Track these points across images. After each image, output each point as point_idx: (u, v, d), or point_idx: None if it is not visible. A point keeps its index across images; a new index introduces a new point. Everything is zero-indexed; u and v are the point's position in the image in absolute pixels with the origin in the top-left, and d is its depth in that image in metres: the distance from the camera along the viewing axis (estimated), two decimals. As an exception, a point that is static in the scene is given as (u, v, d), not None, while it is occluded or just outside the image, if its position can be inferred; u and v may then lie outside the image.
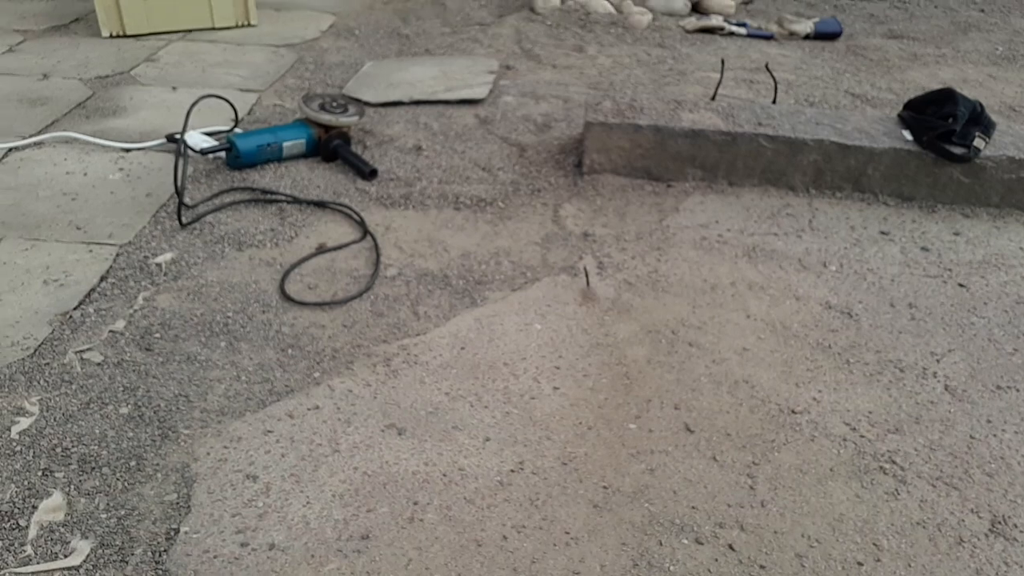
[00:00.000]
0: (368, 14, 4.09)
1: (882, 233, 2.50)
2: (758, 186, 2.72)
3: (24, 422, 1.68)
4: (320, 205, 2.52)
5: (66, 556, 1.41)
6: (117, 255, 2.23)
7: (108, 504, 1.51)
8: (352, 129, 2.86)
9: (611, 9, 4.17)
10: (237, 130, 2.80)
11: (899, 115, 2.82)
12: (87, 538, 1.45)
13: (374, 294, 2.16)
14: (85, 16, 3.89)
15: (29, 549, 1.42)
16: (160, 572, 1.39)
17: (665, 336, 2.02)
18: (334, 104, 2.77)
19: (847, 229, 2.52)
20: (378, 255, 2.30)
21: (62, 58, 3.47)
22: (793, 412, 1.80)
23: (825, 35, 4.06)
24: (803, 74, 3.60)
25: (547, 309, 2.11)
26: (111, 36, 3.67)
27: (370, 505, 1.53)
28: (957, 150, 2.58)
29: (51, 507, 1.50)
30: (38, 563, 1.40)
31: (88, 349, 1.89)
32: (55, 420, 1.69)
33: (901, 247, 2.43)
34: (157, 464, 1.60)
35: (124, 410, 1.73)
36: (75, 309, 2.02)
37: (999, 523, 1.55)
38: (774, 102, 3.07)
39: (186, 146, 2.41)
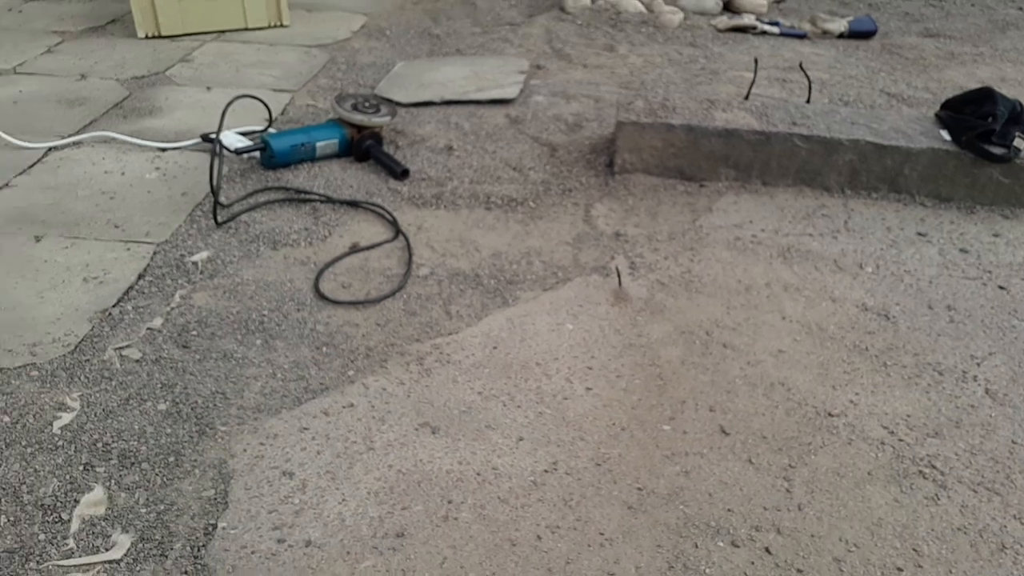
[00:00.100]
0: (399, 14, 4.11)
1: (919, 234, 2.47)
2: (792, 186, 2.70)
3: (66, 417, 1.71)
4: (353, 205, 2.54)
5: (107, 550, 1.43)
6: (154, 253, 2.25)
7: (148, 499, 1.53)
8: (384, 129, 2.88)
9: (642, 8, 4.15)
10: (271, 130, 2.82)
11: (936, 115, 2.78)
12: (127, 532, 1.47)
13: (407, 293, 2.16)
14: (121, 17, 3.94)
15: (71, 542, 1.44)
16: (199, 567, 1.41)
17: (699, 337, 2.01)
18: (366, 104, 2.79)
19: (883, 230, 2.48)
20: (410, 254, 2.31)
21: (99, 59, 3.52)
22: (830, 415, 1.78)
23: (859, 34, 4.02)
24: (837, 73, 3.56)
25: (579, 309, 2.11)
26: (147, 37, 3.72)
27: (405, 503, 1.54)
28: (997, 150, 2.54)
29: (92, 501, 1.52)
30: (80, 556, 1.42)
31: (127, 346, 1.92)
32: (95, 415, 1.72)
33: (939, 248, 2.40)
34: (195, 460, 1.62)
35: (162, 406, 1.75)
36: (114, 306, 2.04)
37: (1042, 530, 1.52)
38: (808, 101, 3.04)
39: (221, 146, 2.43)
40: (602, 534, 1.49)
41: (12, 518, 1.49)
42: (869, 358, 1.96)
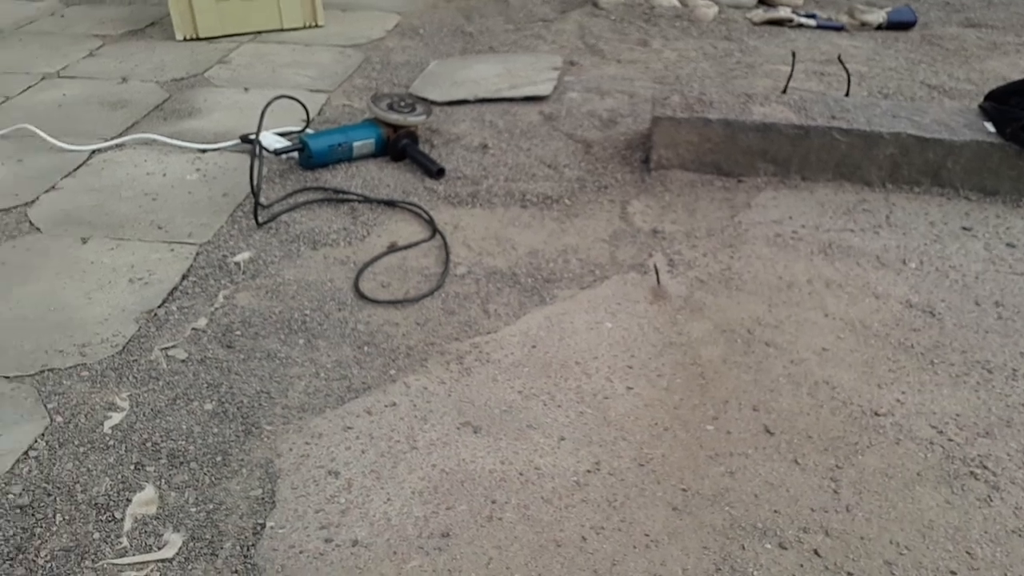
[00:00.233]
0: (432, 12, 4.12)
1: (964, 229, 2.43)
2: (832, 181, 2.66)
3: (116, 417, 1.74)
4: (390, 204, 2.55)
5: (159, 548, 1.46)
6: (197, 254, 2.29)
7: (197, 498, 1.56)
8: (420, 128, 2.89)
9: (675, 2, 4.12)
10: (309, 130, 2.85)
11: (980, 106, 2.73)
12: (178, 531, 1.49)
13: (445, 292, 2.17)
14: (160, 20, 4.00)
15: (125, 541, 1.47)
16: (249, 566, 1.43)
17: (740, 335, 1.99)
18: (402, 104, 2.80)
19: (927, 225, 2.45)
20: (448, 253, 2.32)
21: (139, 62, 3.58)
22: (876, 414, 1.76)
23: (898, 24, 3.95)
24: (876, 65, 3.50)
25: (617, 307, 2.10)
26: (185, 39, 3.77)
27: (449, 503, 1.55)
28: (1044, 142, 2.49)
29: (144, 500, 1.55)
30: (134, 555, 1.45)
31: (173, 346, 1.95)
32: (144, 415, 1.75)
33: (985, 243, 2.35)
34: (242, 459, 1.64)
35: (209, 406, 1.77)
36: (159, 307, 2.08)
37: (1098, 532, 1.49)
38: (847, 94, 3.00)
39: (261, 147, 2.46)
40: (647, 535, 1.48)
41: (67, 517, 1.52)
42: (915, 356, 1.93)
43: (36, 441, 1.67)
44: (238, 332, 2.00)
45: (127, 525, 1.50)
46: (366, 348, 1.96)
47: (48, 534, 1.49)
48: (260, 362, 1.90)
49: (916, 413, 1.76)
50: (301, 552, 1.45)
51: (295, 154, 2.74)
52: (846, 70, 3.06)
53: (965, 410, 1.76)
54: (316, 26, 3.90)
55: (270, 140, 2.75)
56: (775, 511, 1.53)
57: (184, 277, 2.19)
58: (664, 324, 2.04)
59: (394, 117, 2.75)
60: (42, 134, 2.84)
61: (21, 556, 1.44)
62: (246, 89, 3.29)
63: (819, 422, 1.74)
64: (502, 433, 1.71)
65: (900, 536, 1.48)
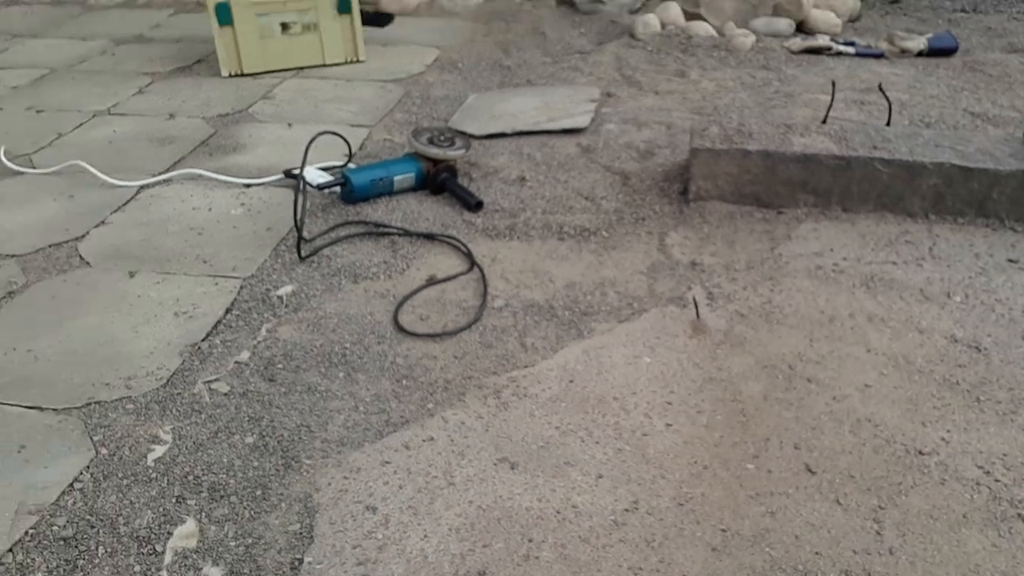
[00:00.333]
0: (470, 47, 4.18)
1: (1010, 261, 2.38)
2: (874, 212, 2.63)
3: (159, 450, 1.77)
4: (429, 237, 2.58)
5: (200, 582, 1.48)
6: (241, 288, 2.33)
7: (236, 532, 1.58)
8: (459, 162, 2.92)
9: (713, 32, 4.12)
10: (350, 165, 2.89)
11: (1026, 136, 2.69)
12: (218, 565, 1.51)
13: (482, 325, 2.18)
14: (206, 57, 4.11)
15: (165, 574, 1.49)
16: (287, 601, 1.44)
17: (782, 371, 1.97)
18: (441, 138, 2.84)
19: (971, 257, 2.40)
20: (485, 286, 2.33)
21: (186, 98, 3.68)
22: (920, 453, 1.72)
23: (939, 51, 3.91)
24: (917, 93, 3.47)
25: (656, 341, 2.10)
26: (230, 75, 3.87)
27: (485, 540, 1.55)
28: (1093, 172, 2.44)
29: (185, 534, 1.57)
30: (175, 589, 1.47)
31: (216, 380, 1.98)
32: (187, 448, 1.78)
33: (1033, 276, 2.30)
34: (281, 494, 1.66)
35: (249, 439, 1.80)
36: (203, 340, 2.12)
37: None
38: (888, 124, 2.97)
39: (305, 182, 2.51)
40: None
41: (109, 549, 1.55)
42: (960, 393, 1.89)
43: (81, 473, 1.71)
44: (280, 365, 2.03)
45: (167, 558, 1.52)
46: (404, 381, 1.98)
47: (91, 567, 1.51)
48: (301, 395, 1.93)
49: (962, 452, 1.72)
50: (339, 588, 1.46)
51: (337, 188, 2.79)
52: (887, 99, 3.03)
53: (1012, 449, 1.72)
54: (357, 61, 3.98)
55: (313, 175, 2.81)
56: (816, 553, 1.50)
57: (228, 311, 2.23)
58: (704, 359, 2.02)
59: (434, 151, 2.79)
60: (93, 170, 2.93)
61: (67, 588, 1.47)
62: (289, 124, 3.36)
63: (862, 461, 1.70)
64: (539, 470, 1.71)
65: (947, 581, 1.44)
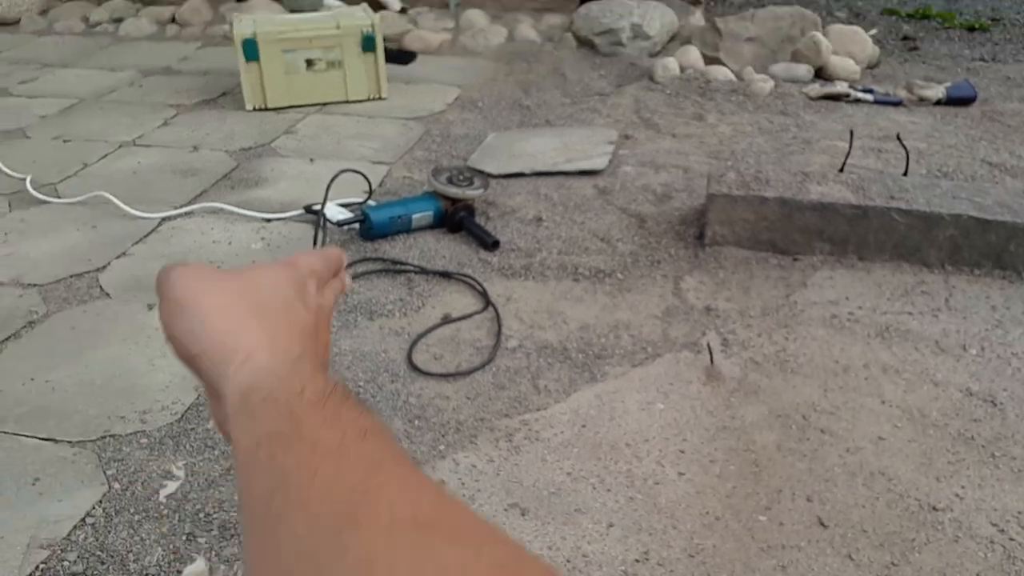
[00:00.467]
0: (491, 86, 4.23)
1: (1028, 314, 2.37)
2: (890, 261, 2.63)
3: (171, 486, 1.78)
4: (445, 275, 2.60)
5: (208, 622, 1.48)
6: (257, 323, 2.35)
7: (245, 573, 1.58)
8: (477, 201, 2.95)
9: (731, 77, 4.16)
10: (370, 202, 2.93)
11: (1045, 188, 2.68)
12: (227, 605, 1.51)
13: (496, 366, 2.19)
14: (231, 90, 4.18)
15: (174, 612, 1.50)
16: (294, 644, 1.43)
17: (795, 421, 1.96)
18: (461, 177, 2.87)
19: (988, 309, 2.39)
20: (500, 326, 2.34)
21: (210, 131, 3.74)
22: (934, 509, 1.70)
23: (958, 100, 3.92)
24: (935, 142, 3.48)
25: (670, 387, 2.10)
26: (254, 109, 3.93)
27: (494, 587, 1.54)
28: (1112, 227, 2.43)
29: (194, 572, 1.57)
30: (183, 628, 1.47)
31: (230, 415, 1.99)
32: (199, 485, 1.79)
33: (1050, 330, 2.29)
34: (291, 533, 1.67)
35: (262, 477, 1.81)
36: (219, 375, 2.13)
37: None
38: (905, 173, 2.98)
39: (325, 219, 2.54)
40: (695, 630, 1.45)
41: (120, 585, 1.55)
42: (975, 448, 1.88)
43: (94, 508, 1.72)
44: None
45: (178, 597, 1.53)
46: (417, 422, 1.98)
47: (102, 602, 1.52)
48: (313, 434, 1.94)
49: (976, 509, 1.70)
50: (346, 632, 1.46)
51: (356, 225, 2.82)
52: (904, 148, 3.04)
53: (1030, 509, 1.70)
54: (380, 98, 4.04)
55: (333, 211, 2.84)
56: (828, 611, 1.49)
57: (244, 346, 2.25)
58: (717, 407, 2.02)
59: (453, 191, 2.82)
60: (116, 201, 2.98)
61: (76, 624, 1.47)
62: (311, 160, 3.41)
63: (875, 515, 1.69)
64: (550, 517, 1.70)
65: (961, 644, 1.42)
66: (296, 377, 0.44)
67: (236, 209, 2.95)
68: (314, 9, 4.62)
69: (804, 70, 4.18)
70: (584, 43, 4.67)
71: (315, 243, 2.47)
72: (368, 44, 3.91)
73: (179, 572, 1.58)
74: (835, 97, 3.96)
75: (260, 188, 3.18)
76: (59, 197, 3.11)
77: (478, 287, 2.53)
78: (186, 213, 2.99)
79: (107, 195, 3.02)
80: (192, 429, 1.95)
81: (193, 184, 3.22)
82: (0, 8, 5.48)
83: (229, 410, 0.45)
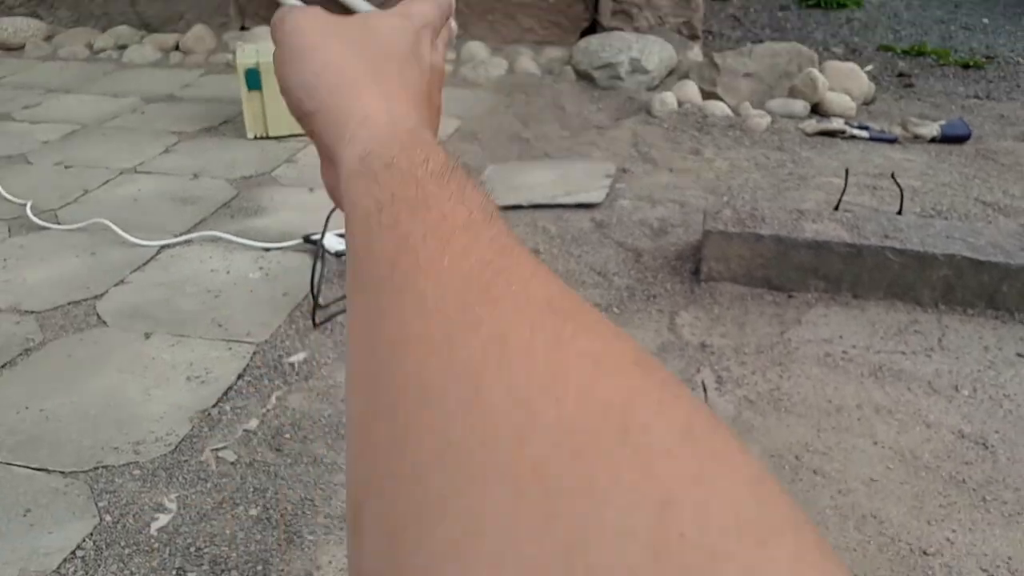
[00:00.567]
0: (491, 117, 4.27)
1: (1019, 356, 2.38)
2: (884, 300, 2.65)
3: (163, 519, 1.78)
4: (441, 308, 2.61)
5: (196, 659, 1.47)
6: (254, 353, 2.36)
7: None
8: (474, 233, 2.97)
9: (728, 112, 4.20)
10: (367, 233, 2.94)
11: (1037, 229, 2.71)
12: (215, 642, 1.51)
13: (491, 400, 2.19)
14: (233, 118, 4.21)
15: (163, 649, 1.49)
16: None
17: (788, 461, 1.97)
18: (458, 210, 2.89)
19: (980, 350, 2.41)
20: (495, 360, 2.35)
21: (211, 158, 3.77)
22: (925, 553, 1.71)
23: (952, 138, 3.96)
24: (930, 180, 3.51)
25: (663, 425, 2.10)
26: (255, 137, 3.96)
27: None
28: (1103, 270, 2.45)
29: (184, 607, 1.57)
30: (171, 665, 1.46)
31: (223, 447, 2.00)
32: (190, 518, 1.79)
33: (1042, 372, 2.30)
34: (282, 570, 1.66)
35: (253, 512, 1.81)
36: (213, 406, 2.14)
37: None
38: (900, 212, 3.00)
39: (324, 250, 2.56)
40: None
41: (109, 619, 1.55)
42: (967, 491, 1.88)
43: (84, 540, 1.72)
44: (287, 435, 2.04)
45: (167, 633, 1.52)
46: (410, 457, 1.98)
47: (91, 637, 1.51)
48: (306, 467, 1.94)
49: (966, 554, 1.70)
50: (334, 672, 1.45)
51: (352, 256, 2.83)
52: (899, 187, 3.07)
53: (1018, 552, 1.70)
54: (379, 128, 4.07)
55: (332, 241, 2.86)
56: (818, 656, 1.48)
57: (240, 376, 2.26)
58: (708, 445, 2.02)
59: (449, 223, 2.84)
60: (115, 228, 2.99)
61: (63, 659, 1.47)
62: (311, 189, 3.43)
63: (866, 559, 1.69)
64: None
65: None
66: (418, 146, 0.41)
67: (235, 238, 2.97)
68: (317, 39, 4.66)
69: (801, 106, 4.22)
70: (583, 76, 4.72)
71: (313, 274, 2.48)
72: (369, 75, 3.95)
73: (169, 608, 1.58)
74: (831, 133, 4.00)
75: (260, 217, 3.20)
76: (59, 223, 3.13)
77: (474, 320, 2.54)
78: (185, 241, 3.00)
79: (106, 222, 3.03)
80: (185, 461, 1.95)
81: (193, 212, 3.24)
82: (5, 34, 5.53)
83: (343, 173, 0.42)
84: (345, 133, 0.44)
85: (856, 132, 3.99)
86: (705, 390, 2.22)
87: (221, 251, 2.93)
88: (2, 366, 2.30)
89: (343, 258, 2.85)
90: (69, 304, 2.61)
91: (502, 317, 0.29)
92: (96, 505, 1.81)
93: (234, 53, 4.08)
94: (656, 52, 4.66)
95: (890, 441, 2.03)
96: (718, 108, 4.21)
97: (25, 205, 3.22)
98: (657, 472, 0.23)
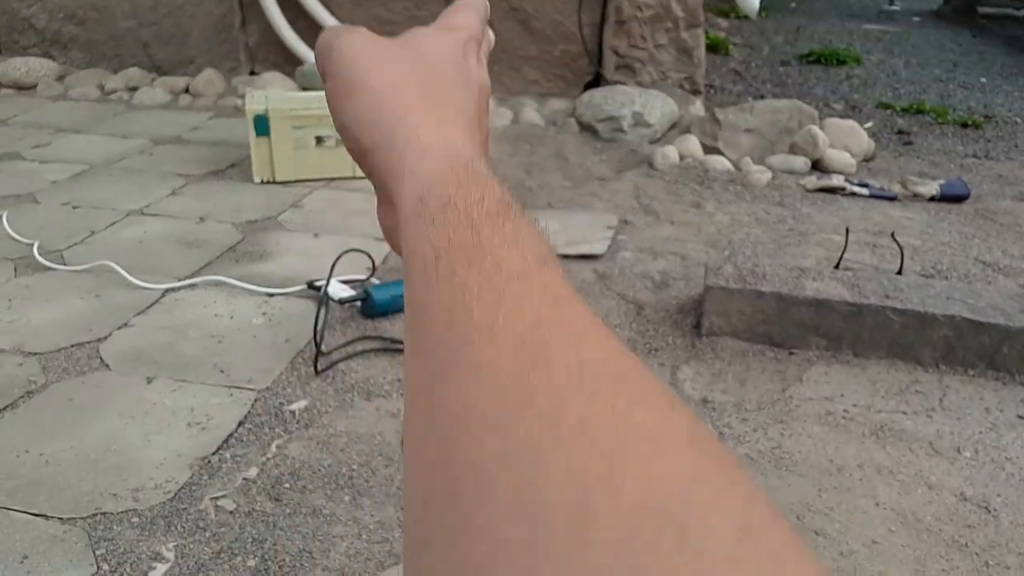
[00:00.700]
0: (495, 167, 4.30)
1: (1020, 417, 2.38)
2: (885, 358, 2.66)
3: (160, 568, 1.77)
4: (444, 358, 2.61)
5: None
6: (255, 400, 2.36)
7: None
8: (477, 282, 2.99)
9: (730, 167, 4.25)
10: (374, 280, 2.96)
11: (1036, 291, 2.73)
12: None
13: (492, 452, 2.19)
14: (240, 162, 4.26)
15: None
16: None
17: (790, 521, 1.95)
18: (462, 259, 2.91)
19: (981, 411, 2.41)
20: (497, 411, 2.34)
21: (218, 202, 3.80)
22: (929, 620, 1.69)
23: (951, 197, 4.01)
24: (929, 239, 3.54)
25: (664, 481, 2.09)
26: (262, 182, 4.00)
27: None
28: (1103, 334, 2.47)
29: (180, 662, 1.55)
30: None
31: (223, 496, 1.99)
32: (188, 568, 1.77)
33: (1043, 435, 2.30)
34: (279, 623, 1.65)
35: (251, 563, 1.79)
36: (213, 454, 2.13)
37: None
38: (900, 272, 3.03)
39: (328, 296, 2.57)
40: None
41: (103, 672, 1.53)
42: (969, 555, 1.87)
43: (83, 589, 1.71)
44: (287, 485, 2.04)
45: None
46: (410, 509, 1.97)
47: None
48: (305, 518, 1.93)
49: (972, 622, 1.69)
50: None
51: (358, 303, 2.85)
52: (899, 247, 3.10)
53: (1025, 623, 1.69)
54: (385, 175, 4.11)
55: (335, 288, 2.87)
56: None
57: (240, 424, 2.26)
58: (710, 503, 2.01)
59: (453, 272, 2.86)
60: (120, 271, 3.01)
61: None
62: (316, 235, 3.46)
63: (869, 625, 1.68)
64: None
65: None
66: (473, 181, 0.40)
67: (239, 283, 2.99)
68: (325, 87, 4.73)
69: (801, 162, 4.28)
70: (586, 128, 4.79)
71: (316, 321, 2.49)
72: (377, 123, 4.00)
73: (164, 661, 1.56)
74: (831, 190, 4.04)
75: (264, 262, 3.22)
76: (65, 264, 3.15)
77: (476, 370, 2.54)
78: (189, 285, 3.02)
79: (112, 264, 3.05)
80: (184, 509, 1.94)
81: (198, 256, 3.26)
82: (18, 73, 5.61)
83: (402, 213, 0.41)
84: (403, 169, 0.43)
85: (856, 189, 4.04)
86: (706, 447, 2.21)
87: (225, 296, 2.95)
88: (3, 408, 2.30)
89: (346, 305, 2.86)
90: (72, 346, 2.61)
91: (556, 386, 0.29)
92: (94, 553, 1.79)
93: (243, 97, 4.14)
94: (658, 106, 4.74)
95: (892, 502, 2.03)
96: (719, 163, 4.26)
97: (32, 245, 3.24)
98: None
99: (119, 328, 2.72)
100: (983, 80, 6.64)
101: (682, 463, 0.27)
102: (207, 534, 1.87)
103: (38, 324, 2.73)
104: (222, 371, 2.50)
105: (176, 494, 1.99)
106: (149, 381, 2.43)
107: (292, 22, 5.32)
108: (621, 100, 4.72)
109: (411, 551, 0.30)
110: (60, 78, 5.75)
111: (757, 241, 3.51)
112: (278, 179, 4.00)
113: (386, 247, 3.35)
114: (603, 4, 5.15)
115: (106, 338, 2.66)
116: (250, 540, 1.85)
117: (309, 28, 5.30)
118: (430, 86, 0.48)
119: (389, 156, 0.45)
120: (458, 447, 0.30)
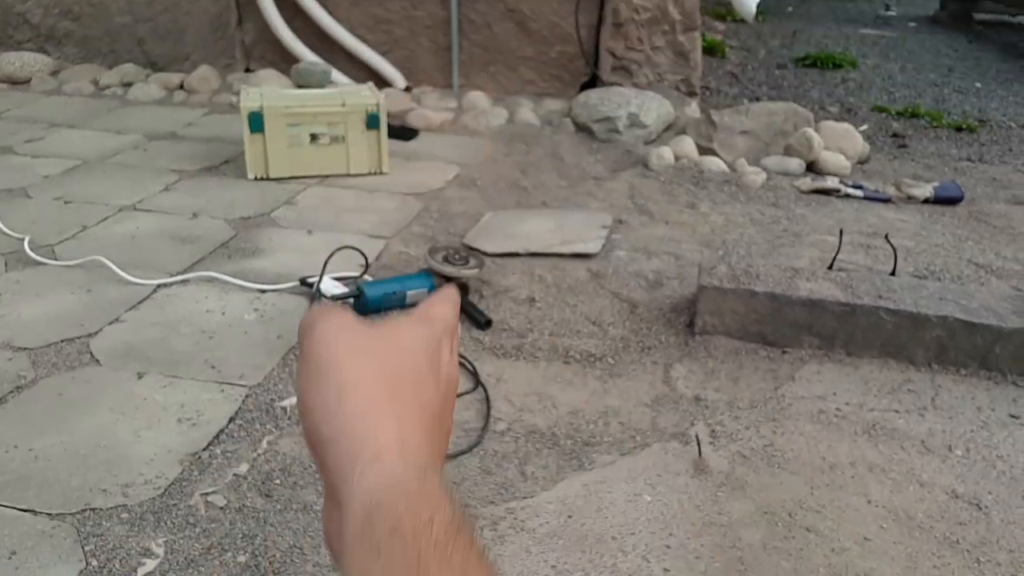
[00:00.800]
0: (491, 165, 4.32)
1: (1012, 416, 2.39)
2: (877, 358, 2.66)
3: (150, 564, 1.76)
4: (437, 355, 2.60)
5: None
6: (246, 396, 2.35)
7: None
8: (471, 279, 2.98)
9: (725, 168, 4.26)
10: (367, 277, 2.96)
11: (1029, 292, 2.73)
12: None
13: (483, 449, 2.19)
14: (234, 158, 4.24)
15: None
16: None
17: (782, 519, 1.96)
18: (456, 256, 2.91)
19: (973, 410, 2.41)
20: (489, 408, 2.34)
21: (211, 198, 3.79)
22: (920, 618, 1.69)
23: (945, 200, 4.01)
24: (923, 241, 3.55)
25: (657, 479, 2.09)
26: (256, 178, 3.99)
27: None
28: (1095, 334, 2.47)
29: (168, 656, 1.54)
30: None
31: (213, 492, 1.98)
32: (178, 564, 1.76)
33: (1035, 435, 2.31)
34: (269, 618, 1.64)
35: (241, 558, 1.78)
36: (204, 450, 2.12)
37: None
38: (893, 273, 3.03)
39: (320, 293, 2.56)
40: None
41: (90, 667, 1.52)
42: (960, 552, 1.87)
43: (71, 584, 1.70)
44: (277, 480, 2.03)
45: None
46: (401, 505, 1.96)
47: None
48: (296, 514, 1.92)
49: (963, 620, 1.69)
50: None
51: (351, 300, 2.84)
52: (893, 249, 3.10)
53: (1016, 621, 1.69)
54: (381, 173, 4.11)
55: (328, 285, 2.87)
56: None
57: (231, 420, 2.25)
58: (705, 501, 2.01)
59: (449, 270, 2.86)
60: (112, 266, 3.00)
61: None
62: (309, 232, 3.45)
63: (860, 622, 1.67)
64: (531, 609, 1.68)
65: None
66: (424, 500, 0.40)
67: (231, 279, 2.97)
68: (321, 86, 4.73)
69: (796, 164, 4.28)
70: (582, 129, 4.79)
71: (309, 317, 2.49)
72: (372, 123, 4.00)
73: (152, 656, 1.55)
74: (826, 192, 4.05)
75: (257, 258, 3.21)
76: (56, 259, 3.13)
77: (469, 366, 2.54)
78: (181, 281, 3.00)
79: (103, 259, 3.04)
80: (174, 505, 1.93)
81: (190, 251, 3.25)
82: (12, 68, 5.59)
83: (347, 529, 0.41)
84: (355, 470, 0.43)
85: (850, 191, 4.05)
86: (699, 444, 2.21)
87: (217, 292, 2.93)
88: (-8, 402, 2.29)
89: (339, 302, 2.85)
90: (63, 341, 2.59)
91: None
92: (83, 549, 1.78)
93: (237, 94, 4.13)
94: (654, 107, 4.74)
95: (884, 500, 2.03)
96: (714, 164, 4.26)
97: (23, 240, 3.22)
98: None
99: (110, 323, 2.71)
100: (978, 85, 6.66)
101: None
102: (197, 530, 1.86)
103: (28, 319, 2.71)
104: (213, 367, 2.48)
105: (166, 490, 1.97)
106: (140, 377, 2.42)
107: (289, 21, 5.31)
108: (617, 101, 4.72)
109: None
110: (54, 73, 5.73)
111: (751, 241, 3.51)
112: (272, 176, 3.99)
113: (379, 245, 3.35)
114: (600, 6, 5.15)
115: (97, 333, 2.65)
116: (240, 536, 1.84)
117: (306, 27, 5.29)
118: (396, 381, 0.48)
119: (343, 454, 0.44)
120: None
